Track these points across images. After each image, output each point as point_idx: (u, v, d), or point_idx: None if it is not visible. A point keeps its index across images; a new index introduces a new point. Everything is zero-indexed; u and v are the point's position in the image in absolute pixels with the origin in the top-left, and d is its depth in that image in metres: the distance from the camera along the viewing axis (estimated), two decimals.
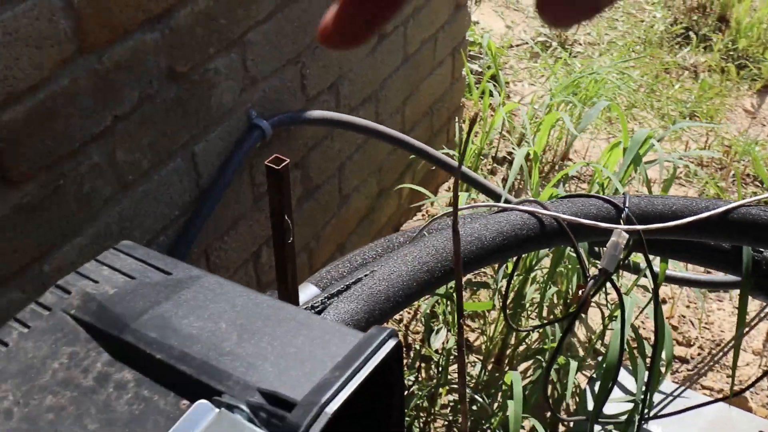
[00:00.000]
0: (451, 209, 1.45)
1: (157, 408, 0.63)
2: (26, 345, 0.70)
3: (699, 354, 2.21)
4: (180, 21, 1.21)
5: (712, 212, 1.35)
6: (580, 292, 1.34)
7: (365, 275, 1.05)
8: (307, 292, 1.24)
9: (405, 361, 2.05)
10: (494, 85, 2.91)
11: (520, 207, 1.29)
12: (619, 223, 1.34)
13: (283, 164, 1.19)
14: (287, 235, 1.23)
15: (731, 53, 3.45)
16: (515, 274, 1.86)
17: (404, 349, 2.09)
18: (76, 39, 1.03)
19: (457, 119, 2.56)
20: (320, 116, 1.57)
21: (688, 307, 2.33)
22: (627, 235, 1.32)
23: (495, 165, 2.75)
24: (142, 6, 1.13)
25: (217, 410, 0.60)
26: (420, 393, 1.89)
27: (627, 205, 1.36)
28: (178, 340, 0.67)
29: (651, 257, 1.75)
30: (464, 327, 2.16)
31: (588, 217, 1.33)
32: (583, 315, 2.12)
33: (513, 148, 2.63)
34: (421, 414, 1.90)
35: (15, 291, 1.08)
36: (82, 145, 1.10)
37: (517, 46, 3.48)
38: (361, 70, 1.82)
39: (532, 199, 1.33)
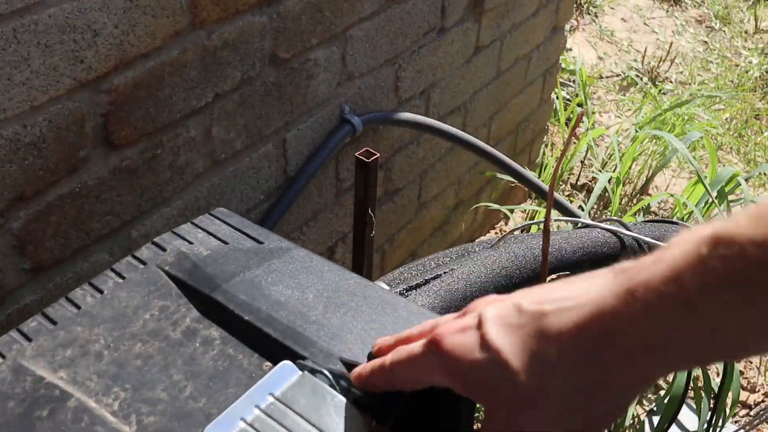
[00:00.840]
0: (527, 223, 1.44)
1: (241, 366, 0.65)
2: (120, 294, 0.72)
3: (763, 401, 2.13)
4: (288, 8, 1.24)
5: None
6: None
7: (444, 272, 1.05)
8: None
9: None
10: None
11: (603, 225, 1.27)
12: None
13: (373, 158, 1.20)
14: (369, 228, 1.24)
15: None
16: None
17: None
18: (190, 13, 1.07)
19: (543, 141, 2.55)
20: (411, 119, 1.58)
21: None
22: None
23: (573, 191, 2.72)
24: None
25: (300, 372, 0.60)
26: None
27: None
28: (266, 304, 0.68)
29: None
30: None
31: (666, 242, 1.31)
32: None
33: (594, 175, 2.59)
34: None
35: (102, 252, 1.11)
36: (182, 117, 1.13)
37: (607, 77, 3.44)
38: (453, 79, 1.82)
39: (615, 218, 1.31)
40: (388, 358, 0.56)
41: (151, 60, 1.05)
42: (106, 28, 0.97)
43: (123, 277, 0.74)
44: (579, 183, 2.75)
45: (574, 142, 2.67)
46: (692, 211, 1.87)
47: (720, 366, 1.91)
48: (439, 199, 2.02)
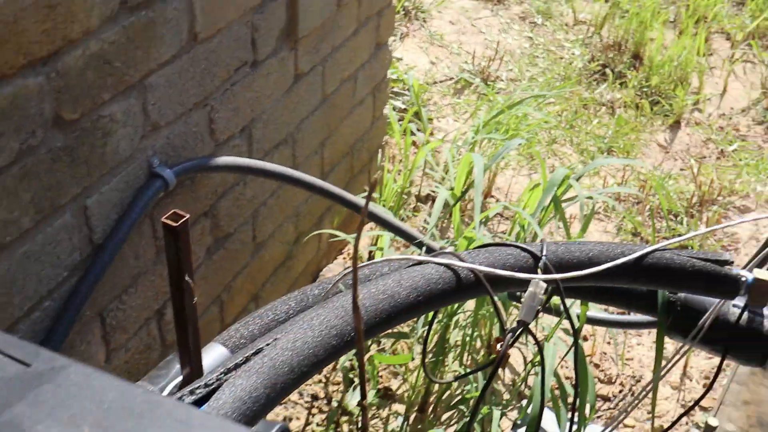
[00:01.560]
0: (363, 264, 1.38)
1: None
2: None
3: (621, 391, 2.20)
4: (69, 64, 1.12)
5: (628, 258, 1.33)
6: (498, 345, 1.29)
7: (267, 344, 0.97)
8: (213, 353, 1.15)
9: (324, 414, 1.97)
10: (418, 123, 2.89)
11: (436, 260, 1.23)
12: (537, 272, 1.30)
13: (182, 221, 1.10)
14: (187, 296, 1.15)
15: (645, 90, 3.51)
16: (436, 320, 1.81)
17: (324, 401, 2.01)
18: None
19: (382, 158, 2.52)
20: (228, 163, 1.49)
21: (609, 343, 2.32)
22: (545, 285, 1.28)
23: (419, 204, 2.71)
24: (23, 48, 1.04)
25: None
26: None
27: (545, 253, 1.32)
28: None
29: (572, 301, 1.73)
30: (386, 375, 2.09)
31: (506, 267, 1.29)
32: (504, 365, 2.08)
33: (436, 187, 2.59)
34: None
35: None
36: None
37: (441, 82, 3.47)
38: (275, 112, 1.75)
39: (448, 251, 1.28)
40: None
41: None
42: None
43: None
44: (424, 193, 2.75)
45: (413, 155, 2.66)
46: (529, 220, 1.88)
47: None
48: (276, 236, 1.94)
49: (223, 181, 1.60)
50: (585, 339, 2.32)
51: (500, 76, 3.52)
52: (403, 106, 3.09)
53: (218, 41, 1.46)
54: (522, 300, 1.31)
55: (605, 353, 2.29)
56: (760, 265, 1.45)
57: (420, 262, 1.26)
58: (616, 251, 1.38)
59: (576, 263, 1.36)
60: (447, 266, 1.24)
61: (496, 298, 1.27)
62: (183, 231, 1.10)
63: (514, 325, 1.29)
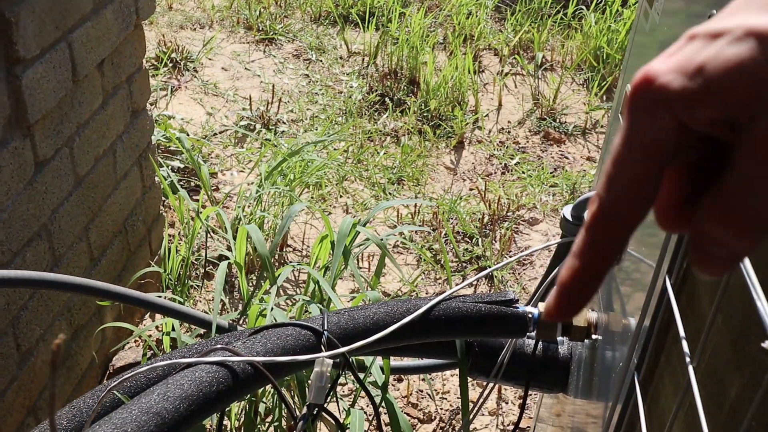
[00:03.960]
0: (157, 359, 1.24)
1: None
2: None
3: (441, 427, 2.18)
4: None
5: (413, 316, 1.29)
6: None
7: None
8: None
9: None
10: (199, 181, 2.75)
11: (207, 359, 1.12)
12: (321, 350, 1.22)
13: None
14: None
15: (425, 114, 3.58)
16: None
17: None
18: None
19: (162, 228, 2.35)
20: None
21: (423, 380, 2.30)
22: (331, 362, 1.21)
23: (210, 268, 2.57)
24: None
25: None
26: None
27: (326, 327, 1.25)
28: None
29: (373, 358, 1.67)
30: None
31: (286, 351, 1.20)
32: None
33: (221, 254, 2.46)
34: None
35: None
36: None
37: (221, 132, 3.35)
38: (18, 207, 1.56)
39: (220, 346, 1.17)
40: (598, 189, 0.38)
41: None
42: None
43: None
44: (214, 256, 2.61)
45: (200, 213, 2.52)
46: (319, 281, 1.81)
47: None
48: (48, 338, 1.74)
49: None
50: (400, 380, 2.29)
51: (281, 118, 3.45)
52: (182, 165, 2.94)
53: None
54: (310, 381, 1.23)
55: (421, 391, 2.26)
56: (543, 299, 1.46)
57: (189, 365, 1.14)
58: (402, 309, 1.33)
59: (362, 330, 1.30)
60: (221, 364, 1.14)
61: (279, 388, 1.18)
62: None
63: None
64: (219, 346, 1.17)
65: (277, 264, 2.61)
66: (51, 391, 0.40)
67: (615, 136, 0.37)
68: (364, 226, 2.01)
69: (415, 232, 2.87)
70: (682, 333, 0.71)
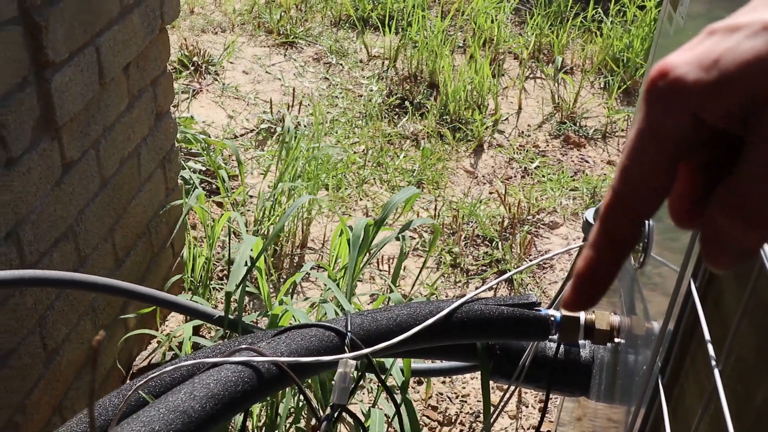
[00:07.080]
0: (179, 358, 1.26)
1: None
2: None
3: (461, 431, 2.18)
4: None
5: (436, 318, 1.30)
6: None
7: None
8: None
9: None
10: (223, 181, 2.78)
11: (232, 359, 1.14)
12: (344, 351, 1.24)
13: None
14: None
15: (445, 118, 3.59)
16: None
17: None
18: None
19: (185, 229, 2.38)
20: None
21: (444, 383, 2.30)
22: (354, 362, 1.22)
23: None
24: None
25: None
26: None
27: (349, 328, 1.26)
28: None
29: (393, 360, 1.68)
30: None
31: (310, 352, 1.21)
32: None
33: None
34: None
35: None
36: None
37: (242, 135, 3.37)
38: (46, 208, 1.59)
39: (245, 346, 1.18)
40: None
41: None
42: None
43: None
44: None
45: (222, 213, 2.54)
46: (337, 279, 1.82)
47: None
48: (73, 338, 1.76)
49: None
50: (420, 383, 2.30)
51: (301, 121, 3.47)
52: (205, 168, 2.97)
53: None
54: (333, 381, 1.24)
55: (441, 393, 2.27)
56: None
57: (215, 364, 1.16)
58: (424, 311, 1.34)
59: (384, 331, 1.31)
60: (246, 364, 1.15)
61: (304, 388, 1.19)
62: None
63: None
64: (244, 346, 1.18)
65: (295, 267, 2.63)
66: (91, 386, 0.41)
67: (630, 129, 0.38)
68: (380, 226, 2.02)
69: (431, 233, 2.87)
70: (707, 336, 0.71)
